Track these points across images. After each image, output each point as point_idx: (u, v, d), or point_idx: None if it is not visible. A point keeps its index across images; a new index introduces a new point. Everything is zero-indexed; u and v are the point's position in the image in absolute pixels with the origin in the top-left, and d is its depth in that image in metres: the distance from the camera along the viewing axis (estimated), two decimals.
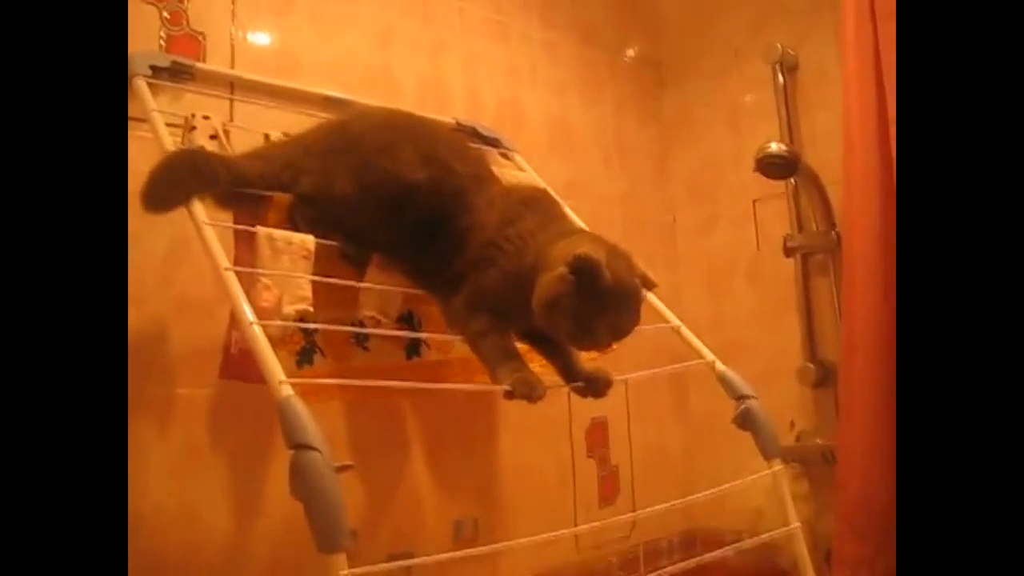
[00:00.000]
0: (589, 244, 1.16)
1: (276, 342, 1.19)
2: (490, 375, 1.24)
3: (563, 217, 1.39)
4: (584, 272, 1.11)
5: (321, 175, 1.29)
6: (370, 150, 1.30)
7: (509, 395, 1.20)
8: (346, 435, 1.61)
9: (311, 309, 1.18)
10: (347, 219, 1.28)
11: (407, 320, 1.40)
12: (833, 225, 2.12)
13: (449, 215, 1.27)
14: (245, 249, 1.22)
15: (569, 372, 1.32)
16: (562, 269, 1.12)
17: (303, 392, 0.98)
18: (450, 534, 1.77)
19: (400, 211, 1.27)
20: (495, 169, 1.46)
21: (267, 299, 1.13)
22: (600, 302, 1.13)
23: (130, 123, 1.39)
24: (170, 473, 1.40)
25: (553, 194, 1.43)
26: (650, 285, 1.26)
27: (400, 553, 1.65)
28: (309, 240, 1.22)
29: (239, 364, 1.25)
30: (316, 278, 1.20)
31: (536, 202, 1.33)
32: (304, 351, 1.28)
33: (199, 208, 1.16)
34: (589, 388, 1.30)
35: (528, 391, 1.19)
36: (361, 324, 1.32)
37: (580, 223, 1.51)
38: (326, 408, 1.52)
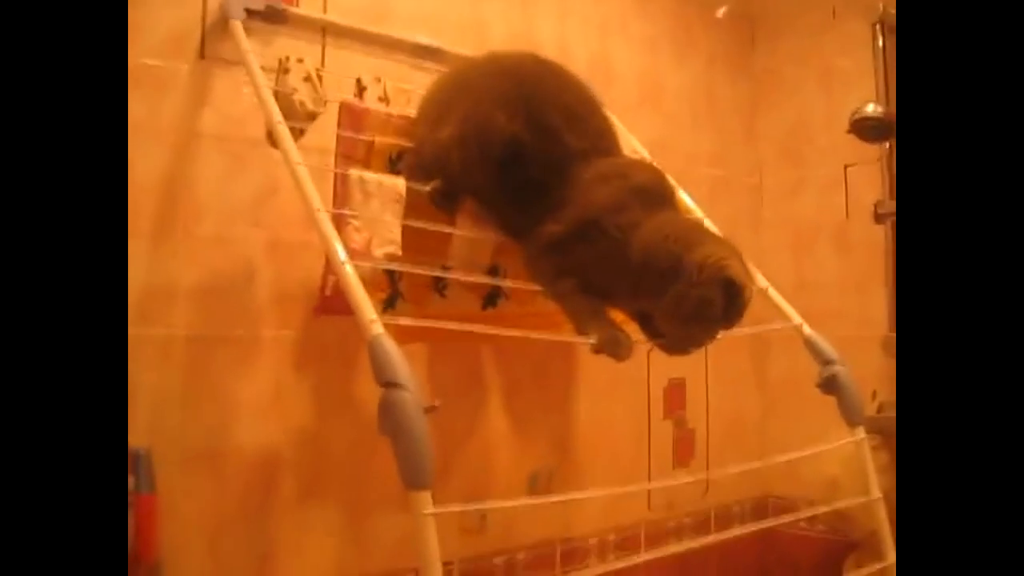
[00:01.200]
0: (734, 262, 1.15)
1: (367, 287, 1.22)
2: (577, 328, 1.24)
3: (675, 207, 1.34)
4: (732, 299, 1.13)
5: (433, 122, 1.31)
6: (483, 99, 1.30)
7: (597, 349, 1.20)
8: (425, 380, 1.63)
9: (399, 252, 1.19)
10: (448, 164, 1.28)
11: (493, 273, 1.40)
12: None
13: (550, 183, 1.25)
14: (339, 192, 1.23)
15: (650, 328, 1.30)
16: (712, 294, 1.12)
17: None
18: (524, 484, 1.78)
19: (500, 167, 1.26)
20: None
21: (357, 241, 1.14)
22: (728, 322, 1.16)
23: (224, 65, 1.41)
24: (255, 413, 1.43)
25: (669, 179, 1.36)
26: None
27: (474, 500, 1.67)
28: (400, 184, 1.23)
29: (334, 304, 1.27)
30: (407, 222, 1.20)
31: (649, 193, 1.26)
32: (390, 297, 1.29)
33: (292, 147, 1.17)
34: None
35: (615, 347, 1.19)
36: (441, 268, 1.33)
37: (691, 205, 1.51)
38: (407, 352, 1.54)
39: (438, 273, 1.28)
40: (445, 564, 1.58)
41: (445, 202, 1.30)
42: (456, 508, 0.93)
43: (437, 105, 1.35)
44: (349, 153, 1.29)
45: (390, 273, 1.28)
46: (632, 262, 1.17)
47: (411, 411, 0.89)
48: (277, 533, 1.44)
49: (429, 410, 0.91)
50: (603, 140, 1.35)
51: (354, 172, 1.20)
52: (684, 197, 1.57)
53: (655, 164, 1.45)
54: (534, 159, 1.25)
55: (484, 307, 1.44)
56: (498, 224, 1.31)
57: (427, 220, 1.25)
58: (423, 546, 0.88)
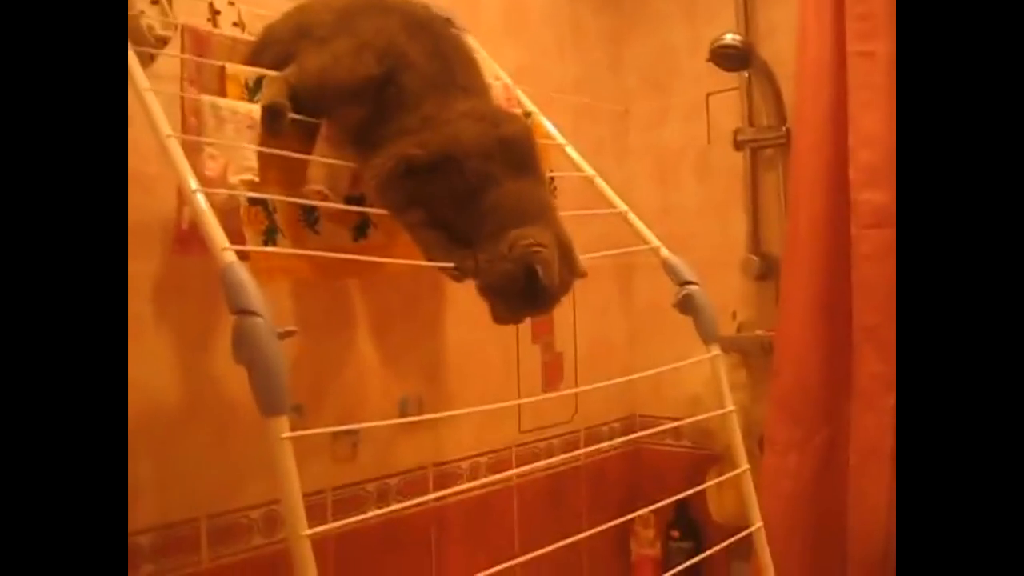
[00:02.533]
0: (550, 252, 1.19)
1: (243, 221, 1.20)
2: (429, 259, 1.25)
3: (535, 171, 1.32)
4: (531, 284, 1.17)
5: (318, 41, 1.31)
6: (385, 21, 1.33)
7: (457, 277, 1.23)
8: (293, 315, 1.61)
9: (256, 179, 1.17)
10: (336, 75, 1.28)
11: (356, 202, 1.39)
12: (784, 120, 2.12)
13: (423, 104, 1.26)
14: (190, 119, 1.20)
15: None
16: (516, 272, 1.17)
17: (258, 272, 0.99)
18: (395, 411, 1.80)
19: (385, 81, 1.27)
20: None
21: (211, 168, 1.11)
22: (534, 299, 1.21)
23: None
24: None
25: (536, 142, 1.37)
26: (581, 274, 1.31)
27: (346, 430, 1.68)
28: (255, 110, 1.20)
29: (191, 238, 1.24)
30: (263, 149, 1.18)
31: (514, 151, 1.27)
32: (268, 230, 1.26)
33: (140, 73, 1.13)
34: None
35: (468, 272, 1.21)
36: (314, 206, 1.31)
37: (554, 133, 1.53)
38: (273, 288, 1.52)
39: (301, 201, 1.26)
40: (317, 493, 1.63)
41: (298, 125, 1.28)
42: (315, 431, 0.93)
43: (320, 27, 1.33)
44: (195, 79, 1.25)
45: (264, 206, 1.26)
46: (476, 213, 1.21)
47: (265, 337, 0.89)
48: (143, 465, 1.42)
49: (284, 335, 0.91)
50: (480, 85, 1.40)
51: (206, 97, 1.17)
52: (547, 125, 1.59)
53: (524, 119, 1.47)
54: (421, 78, 1.27)
55: (355, 239, 1.42)
56: (354, 140, 1.30)
57: (285, 149, 1.24)
58: (281, 472, 0.88)
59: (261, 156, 1.20)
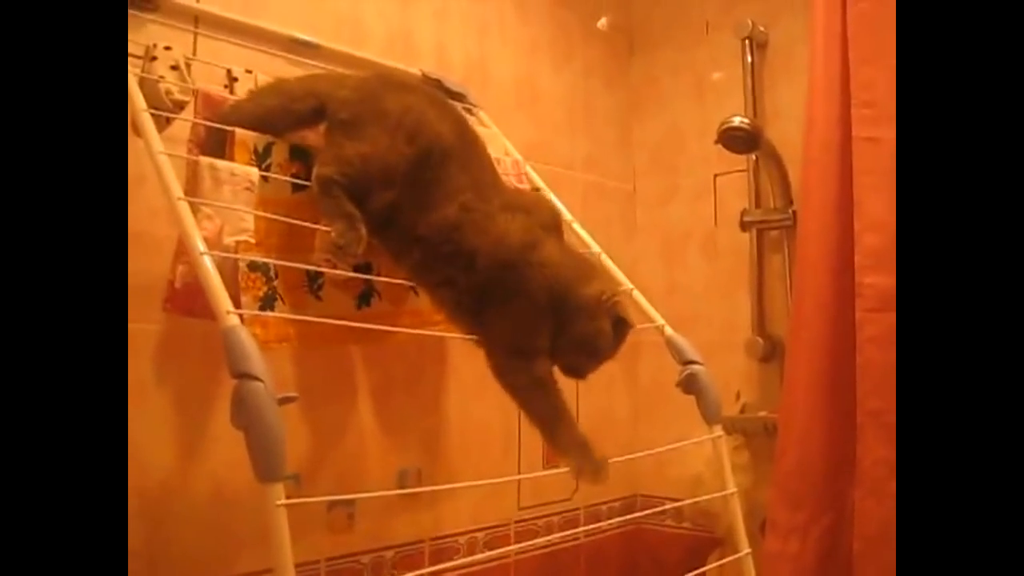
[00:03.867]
0: (624, 298, 1.31)
1: (241, 287, 1.20)
2: (547, 437, 1.24)
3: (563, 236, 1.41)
4: (620, 334, 1.28)
5: (343, 134, 1.28)
6: (417, 99, 1.33)
7: (578, 473, 1.21)
8: (295, 381, 1.61)
9: (252, 240, 1.17)
10: (379, 172, 1.26)
11: (364, 270, 1.39)
12: (790, 202, 2.14)
13: (459, 190, 1.27)
14: (190, 180, 1.21)
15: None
16: (606, 328, 1.26)
17: (259, 343, 0.99)
18: (394, 483, 1.77)
19: (424, 165, 1.27)
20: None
21: (207, 228, 1.12)
22: (614, 353, 1.31)
23: None
24: None
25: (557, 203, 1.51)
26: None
27: (342, 499, 1.66)
28: (253, 172, 1.21)
29: (183, 298, 1.24)
30: (267, 215, 1.19)
31: (555, 225, 1.36)
32: (266, 296, 1.27)
33: (155, 136, 1.15)
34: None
35: (595, 474, 1.21)
36: (318, 272, 1.32)
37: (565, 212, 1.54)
38: (275, 354, 1.52)
39: (304, 266, 1.26)
40: (311, 563, 1.61)
41: (352, 243, 1.22)
42: (311, 500, 0.92)
43: (355, 94, 1.32)
44: (196, 140, 1.27)
45: (265, 271, 1.26)
46: (545, 298, 1.24)
47: (264, 402, 0.89)
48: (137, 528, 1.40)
49: (284, 401, 0.91)
50: (494, 167, 1.42)
51: (204, 159, 1.19)
52: (555, 202, 1.60)
53: (547, 199, 1.53)
54: (456, 162, 1.28)
55: (359, 307, 1.42)
56: (380, 223, 1.29)
57: (288, 215, 1.25)
58: (275, 539, 0.87)
59: (266, 220, 1.21)
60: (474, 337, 1.30)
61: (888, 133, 1.72)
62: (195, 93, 1.32)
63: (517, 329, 1.25)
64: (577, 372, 1.31)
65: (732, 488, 1.45)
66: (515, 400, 1.26)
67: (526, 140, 2.06)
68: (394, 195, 1.26)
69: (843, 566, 1.73)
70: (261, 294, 1.25)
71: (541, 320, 1.25)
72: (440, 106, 1.36)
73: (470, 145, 1.34)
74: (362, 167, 1.24)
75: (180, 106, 1.32)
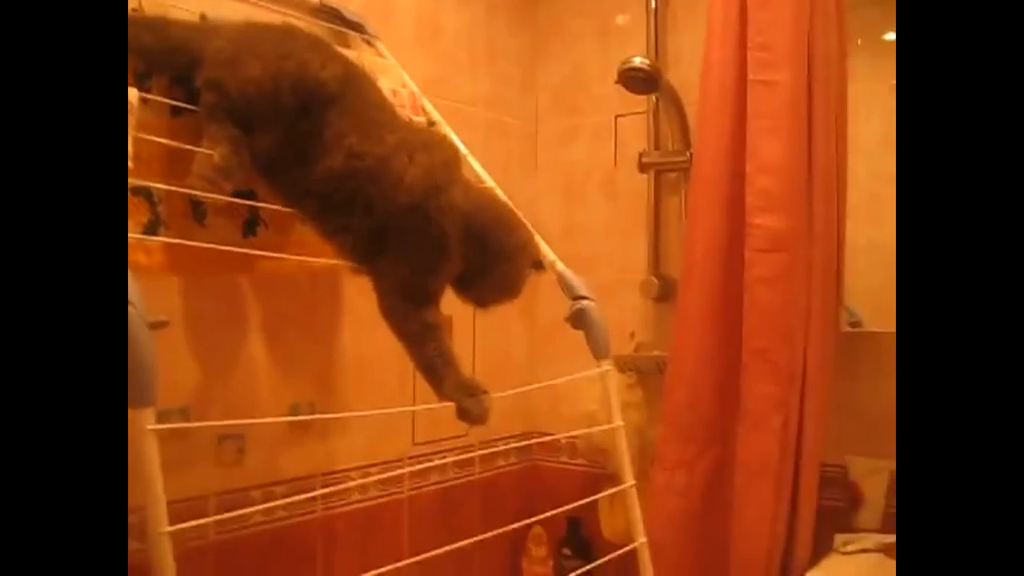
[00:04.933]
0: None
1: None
2: (432, 383, 1.26)
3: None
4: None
5: (231, 58, 1.23)
6: (297, 43, 1.28)
7: (462, 415, 1.24)
8: (182, 312, 1.57)
9: (130, 164, 1.13)
10: (255, 106, 1.22)
11: (248, 197, 1.36)
12: (688, 145, 2.17)
13: (342, 135, 1.24)
14: None
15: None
16: (525, 271, 1.35)
17: (140, 267, 0.96)
18: (285, 416, 1.76)
19: (304, 113, 1.23)
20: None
21: None
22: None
23: None
24: None
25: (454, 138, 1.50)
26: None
27: (231, 433, 1.64)
28: (132, 93, 1.16)
29: None
30: (147, 136, 1.15)
31: (456, 164, 1.34)
32: (150, 223, 1.23)
33: None
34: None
35: (481, 414, 1.25)
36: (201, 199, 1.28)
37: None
38: (161, 284, 1.48)
39: (188, 191, 1.22)
40: (200, 497, 1.58)
41: (232, 171, 1.21)
42: (185, 426, 0.90)
43: (231, 44, 1.26)
44: None
45: (148, 197, 1.22)
46: (451, 243, 1.25)
47: (135, 326, 0.86)
48: None
49: (156, 326, 0.89)
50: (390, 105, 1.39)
51: None
52: (452, 137, 1.59)
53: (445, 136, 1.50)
54: (342, 107, 1.24)
55: (244, 235, 1.39)
56: (263, 167, 1.27)
57: (168, 139, 1.21)
58: (142, 465, 0.85)
59: (145, 145, 1.17)
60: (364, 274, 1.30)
61: (783, 76, 1.75)
62: None
63: (415, 273, 1.25)
64: (486, 306, 1.37)
65: (619, 421, 1.48)
66: (403, 344, 1.27)
67: (426, 75, 2.03)
68: (272, 143, 1.23)
69: (726, 499, 1.79)
70: (145, 220, 1.21)
71: (442, 264, 1.26)
72: (322, 50, 1.31)
73: (356, 86, 1.30)
74: (245, 97, 1.21)
75: None
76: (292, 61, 1.24)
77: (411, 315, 1.24)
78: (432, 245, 1.24)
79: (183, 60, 1.26)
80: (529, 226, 1.37)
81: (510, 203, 1.40)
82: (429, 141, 1.33)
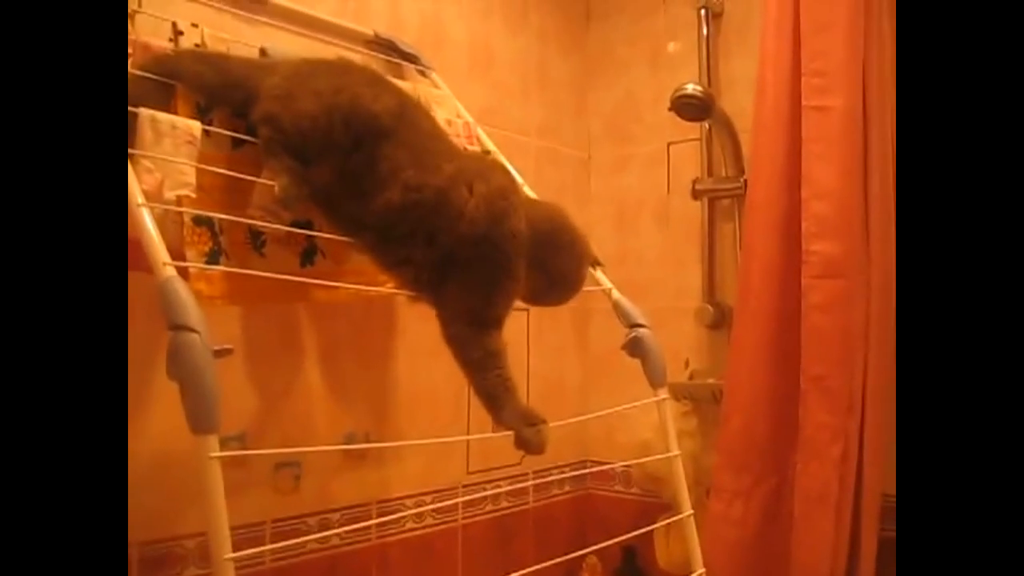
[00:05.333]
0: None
1: (186, 242, 1.19)
2: (492, 411, 1.24)
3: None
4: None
5: (286, 94, 1.25)
6: (350, 78, 1.29)
7: (521, 445, 1.23)
8: (241, 341, 1.59)
9: (193, 195, 1.16)
10: (310, 140, 1.23)
11: (305, 228, 1.38)
12: (742, 171, 2.15)
13: (398, 168, 1.24)
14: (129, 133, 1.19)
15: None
16: (583, 267, 1.37)
17: (202, 296, 0.98)
18: (340, 444, 1.77)
19: (356, 147, 1.24)
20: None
21: (148, 182, 1.10)
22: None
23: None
24: None
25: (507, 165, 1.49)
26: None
27: (288, 461, 1.65)
28: (195, 126, 1.19)
29: (135, 251, 1.22)
30: (208, 167, 1.18)
31: (513, 189, 1.33)
32: (212, 252, 1.25)
33: None
34: None
35: (539, 447, 1.23)
36: (260, 229, 1.31)
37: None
38: (221, 313, 1.50)
39: (246, 220, 1.25)
40: (256, 524, 1.60)
41: (294, 201, 1.23)
42: (247, 453, 0.92)
43: (290, 77, 1.29)
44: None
45: (211, 227, 1.25)
46: (517, 267, 1.26)
47: (199, 353, 0.88)
48: None
49: (220, 353, 0.90)
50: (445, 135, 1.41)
51: (144, 111, 1.16)
52: (507, 166, 1.59)
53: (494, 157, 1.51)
54: (397, 142, 1.24)
55: (302, 265, 1.41)
56: (322, 201, 1.29)
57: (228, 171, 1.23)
58: (208, 491, 0.86)
59: (207, 175, 1.20)
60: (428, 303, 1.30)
61: (837, 102, 1.74)
62: (134, 44, 1.29)
63: (481, 300, 1.24)
64: (546, 305, 1.44)
65: (676, 450, 1.47)
66: (465, 371, 1.26)
67: (480, 104, 2.05)
68: (329, 176, 1.24)
69: (784, 529, 1.76)
70: (207, 249, 1.23)
71: (508, 290, 1.26)
72: (376, 84, 1.32)
73: (410, 119, 1.30)
74: (299, 131, 1.23)
75: None
76: (345, 95, 1.25)
77: (475, 342, 1.23)
78: (498, 272, 1.23)
79: (240, 96, 1.28)
80: (581, 230, 1.39)
81: (563, 212, 1.39)
82: (485, 168, 1.33)
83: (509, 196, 1.29)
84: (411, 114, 1.31)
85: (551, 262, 1.30)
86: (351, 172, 1.24)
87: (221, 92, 1.29)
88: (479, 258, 1.22)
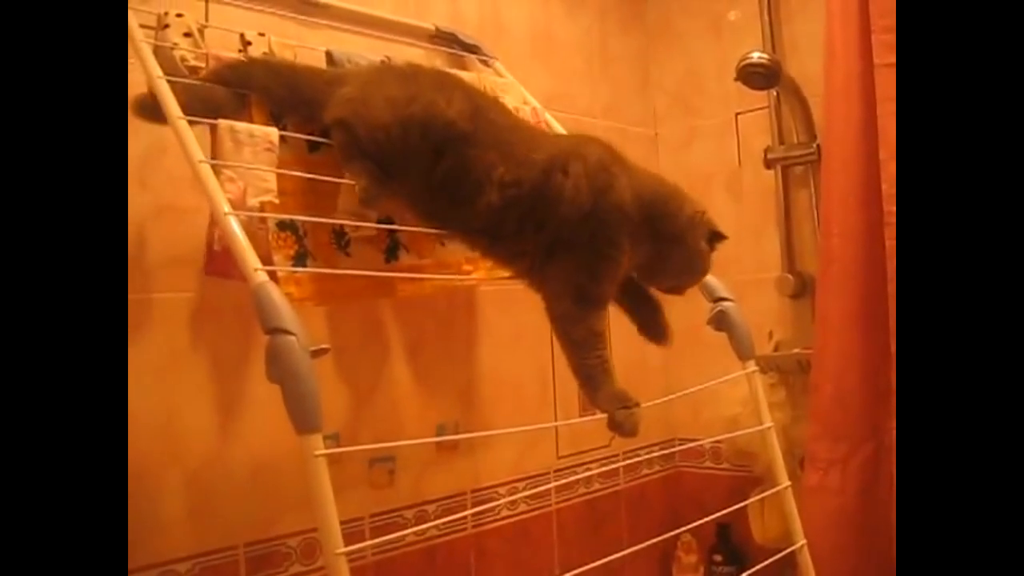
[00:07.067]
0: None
1: (273, 247, 1.21)
2: (588, 391, 1.24)
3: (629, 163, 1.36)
4: (714, 247, 1.34)
5: (358, 101, 1.26)
6: (420, 84, 1.29)
7: (614, 427, 1.22)
8: (328, 340, 1.60)
9: (276, 200, 1.18)
10: (385, 148, 1.23)
11: (386, 224, 1.39)
12: (814, 137, 2.12)
13: (489, 168, 1.23)
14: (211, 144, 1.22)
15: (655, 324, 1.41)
16: (705, 245, 1.31)
17: (292, 299, 1.00)
18: (432, 437, 1.79)
19: (439, 155, 1.23)
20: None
21: (231, 191, 1.12)
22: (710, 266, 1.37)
23: None
24: (151, 377, 1.40)
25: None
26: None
27: (382, 456, 1.68)
28: (272, 133, 1.21)
29: (222, 260, 1.25)
30: (283, 171, 1.20)
31: (612, 159, 1.30)
32: (298, 255, 1.27)
33: (174, 103, 1.15)
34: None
35: (633, 429, 1.22)
36: (341, 227, 1.32)
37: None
38: (308, 314, 1.52)
39: (328, 220, 1.27)
40: (355, 520, 1.63)
41: (376, 200, 1.24)
42: (350, 449, 0.93)
43: (363, 85, 1.30)
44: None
45: (294, 230, 1.27)
46: (624, 238, 1.24)
47: (297, 355, 0.90)
48: (179, 497, 1.42)
49: (317, 353, 0.92)
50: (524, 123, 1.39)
51: (223, 122, 1.19)
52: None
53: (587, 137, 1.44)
54: (476, 142, 1.24)
55: (387, 260, 1.43)
56: (419, 210, 1.30)
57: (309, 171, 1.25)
58: (315, 490, 0.88)
59: (287, 180, 1.22)
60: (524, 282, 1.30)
61: None
62: (207, 58, 1.31)
63: (588, 275, 1.22)
64: (678, 290, 1.38)
65: (768, 422, 1.45)
66: (566, 351, 1.24)
67: (544, 90, 2.05)
68: (421, 187, 1.25)
69: (885, 496, 1.73)
70: (293, 252, 1.26)
71: (616, 264, 1.24)
72: (447, 87, 1.30)
73: (486, 114, 1.29)
74: (375, 142, 1.23)
75: (196, 71, 1.32)
76: (419, 104, 1.24)
77: (580, 321, 1.22)
78: (605, 247, 1.22)
79: (307, 112, 1.31)
80: (695, 201, 1.34)
81: (676, 184, 1.36)
82: (579, 145, 1.31)
83: (609, 167, 1.27)
84: (485, 110, 1.30)
85: (659, 234, 1.27)
86: (441, 181, 1.23)
87: (290, 104, 1.31)
88: (586, 234, 1.21)
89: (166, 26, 1.33)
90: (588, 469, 2.13)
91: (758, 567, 1.48)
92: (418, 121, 1.23)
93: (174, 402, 1.43)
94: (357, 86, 1.29)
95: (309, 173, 1.26)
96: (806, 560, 1.41)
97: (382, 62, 1.51)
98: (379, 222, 1.35)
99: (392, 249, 1.41)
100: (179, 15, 1.35)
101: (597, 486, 2.15)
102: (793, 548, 1.42)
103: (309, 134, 1.32)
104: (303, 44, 1.50)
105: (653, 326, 1.39)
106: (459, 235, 1.31)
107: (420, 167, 1.23)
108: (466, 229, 1.28)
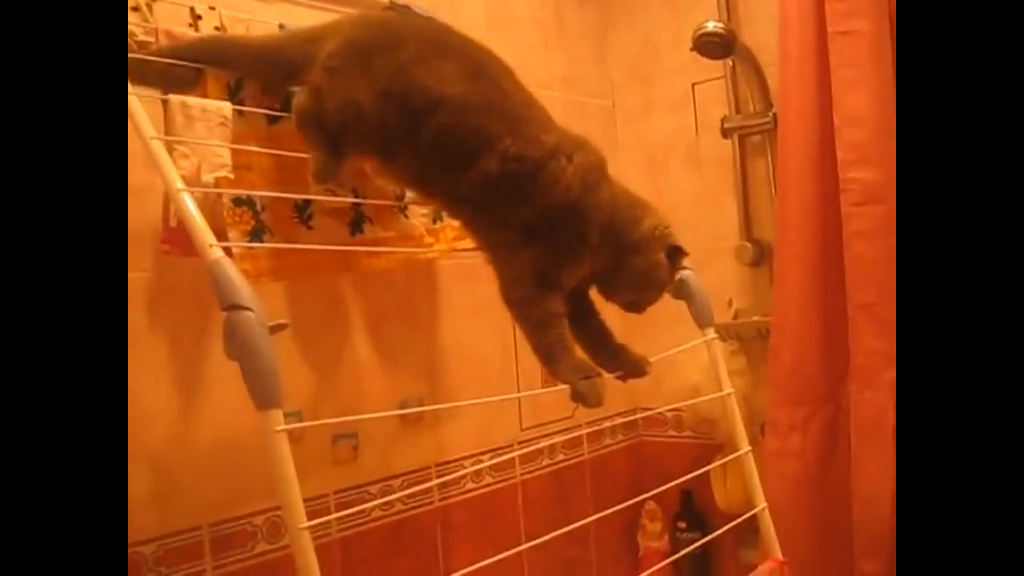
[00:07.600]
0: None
1: (228, 223, 1.20)
2: (549, 367, 1.24)
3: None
4: (675, 263, 1.33)
5: (329, 72, 1.22)
6: (408, 53, 1.23)
7: (577, 398, 1.22)
8: (287, 316, 1.59)
9: (231, 176, 1.17)
10: (356, 126, 1.21)
11: (354, 196, 1.39)
12: (770, 106, 2.13)
13: (494, 138, 1.21)
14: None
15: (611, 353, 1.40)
16: (663, 259, 1.29)
17: (248, 275, 0.99)
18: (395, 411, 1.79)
19: (419, 124, 1.20)
20: None
21: (184, 167, 1.11)
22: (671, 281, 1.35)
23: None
24: None
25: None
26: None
27: (345, 431, 1.68)
28: (225, 107, 1.20)
29: (180, 237, 1.23)
30: (237, 146, 1.19)
31: (604, 165, 1.31)
32: (255, 231, 1.26)
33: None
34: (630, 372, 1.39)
35: (596, 399, 1.23)
36: (307, 202, 1.31)
37: None
38: (266, 290, 1.51)
39: (290, 196, 1.26)
40: (320, 497, 1.63)
41: (330, 174, 1.22)
42: (309, 424, 0.93)
43: (337, 56, 1.24)
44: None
45: (251, 207, 1.26)
46: (595, 237, 1.24)
47: (254, 330, 0.89)
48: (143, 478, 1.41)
49: (275, 329, 0.91)
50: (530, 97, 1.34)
51: (175, 97, 1.17)
52: None
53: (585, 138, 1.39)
54: (472, 108, 1.21)
55: (352, 234, 1.42)
56: (410, 178, 1.29)
57: (267, 148, 1.24)
58: (277, 465, 0.88)
59: (248, 154, 1.21)
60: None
61: (864, 25, 1.71)
62: (156, 32, 1.29)
63: (555, 263, 1.23)
64: (637, 307, 1.36)
65: (728, 388, 1.47)
66: (524, 331, 1.25)
67: None
68: (411, 157, 1.23)
69: (843, 459, 1.76)
70: (249, 228, 1.25)
71: (581, 257, 1.25)
72: (442, 51, 1.26)
73: (496, 84, 1.26)
74: (340, 121, 1.21)
75: (144, 46, 1.30)
76: (401, 79, 1.21)
77: (539, 302, 1.23)
78: (577, 238, 1.23)
79: (281, 73, 1.29)
80: (661, 216, 1.32)
81: (647, 200, 1.35)
82: (583, 141, 1.32)
83: (601, 170, 1.29)
84: (494, 76, 1.27)
85: (618, 244, 1.27)
86: (431, 148, 1.21)
87: (263, 72, 1.30)
88: (564, 223, 1.22)
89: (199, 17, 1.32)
90: (551, 440, 2.14)
91: (722, 531, 1.50)
92: (396, 96, 1.20)
93: (134, 383, 1.40)
94: (341, 45, 1.24)
95: (271, 146, 1.25)
96: (767, 523, 1.44)
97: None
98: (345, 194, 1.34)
99: (357, 222, 1.40)
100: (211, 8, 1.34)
101: (561, 457, 2.16)
102: (755, 511, 1.44)
103: (269, 107, 1.30)
104: (255, 18, 1.48)
105: (621, 358, 1.40)
106: (442, 201, 1.30)
107: (404, 133, 1.21)
108: (452, 196, 1.26)
